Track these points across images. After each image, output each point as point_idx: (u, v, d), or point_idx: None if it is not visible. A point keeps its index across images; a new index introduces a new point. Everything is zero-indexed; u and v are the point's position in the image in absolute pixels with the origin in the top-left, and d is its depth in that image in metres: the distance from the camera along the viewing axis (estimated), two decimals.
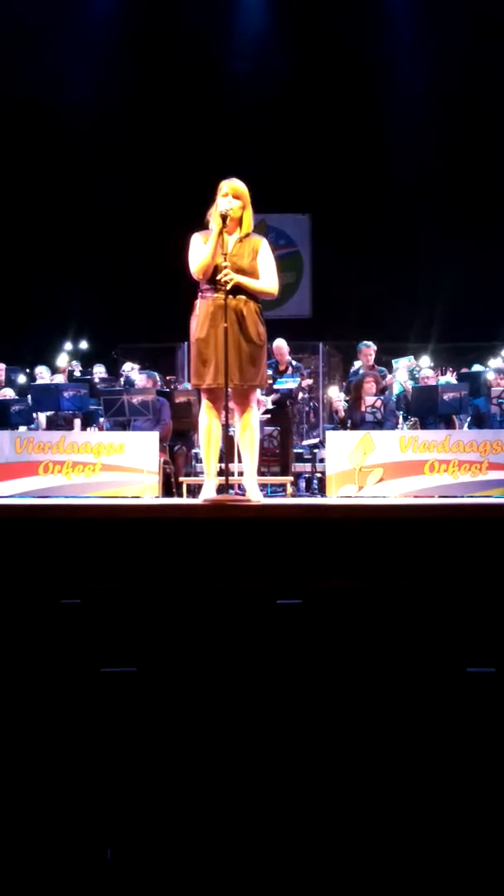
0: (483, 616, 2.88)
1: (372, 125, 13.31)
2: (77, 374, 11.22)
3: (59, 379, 10.55)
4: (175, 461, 8.99)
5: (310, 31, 13.24)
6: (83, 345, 13.03)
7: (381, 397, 8.95)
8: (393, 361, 10.60)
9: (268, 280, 5.14)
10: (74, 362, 11.86)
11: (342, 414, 9.22)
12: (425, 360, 10.73)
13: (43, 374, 10.58)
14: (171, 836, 2.46)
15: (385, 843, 2.43)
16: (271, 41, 13.38)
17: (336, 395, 9.58)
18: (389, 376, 9.92)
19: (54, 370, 11.09)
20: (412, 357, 10.73)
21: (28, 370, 10.97)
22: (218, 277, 5.01)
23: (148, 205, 13.36)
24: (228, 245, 5.07)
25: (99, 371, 11.37)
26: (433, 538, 4.15)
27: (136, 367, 10.86)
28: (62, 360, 11.63)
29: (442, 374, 10.45)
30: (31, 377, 10.73)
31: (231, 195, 5.09)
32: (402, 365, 10.33)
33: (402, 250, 13.28)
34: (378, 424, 8.62)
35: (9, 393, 9.74)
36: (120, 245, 13.28)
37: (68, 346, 12.87)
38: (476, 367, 10.85)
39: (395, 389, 9.91)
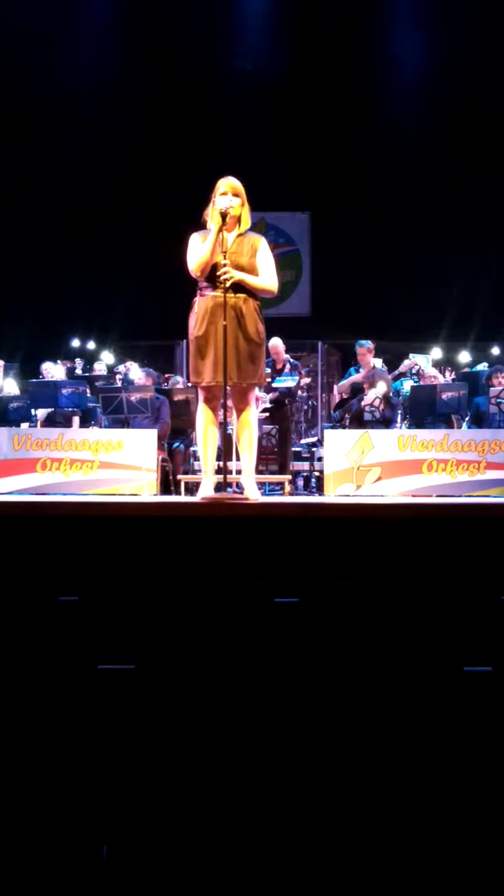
0: (480, 615, 2.88)
1: (372, 123, 13.31)
2: (79, 371, 11.23)
3: (60, 373, 10.55)
4: (173, 459, 8.99)
5: (310, 28, 13.24)
6: (90, 344, 13.05)
7: (380, 396, 8.93)
8: (411, 355, 10.55)
9: (267, 278, 5.14)
10: (77, 360, 11.87)
11: (347, 394, 9.15)
12: (422, 359, 10.73)
13: (50, 371, 10.54)
14: (168, 834, 2.46)
15: (383, 841, 2.43)
16: (271, 39, 13.37)
17: (337, 391, 9.56)
18: (396, 372, 9.90)
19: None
20: (428, 356, 10.70)
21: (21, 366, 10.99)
22: (217, 274, 5.01)
23: (147, 203, 13.35)
24: (227, 243, 5.07)
25: (101, 368, 11.36)
26: (431, 537, 4.15)
27: (135, 364, 10.87)
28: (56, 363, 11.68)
29: (441, 374, 10.46)
30: (31, 374, 10.73)
31: (230, 193, 5.09)
32: (418, 362, 10.29)
33: (401, 249, 13.28)
34: (380, 423, 8.62)
35: (10, 389, 9.73)
36: (118, 243, 13.27)
37: (76, 342, 12.88)
38: (480, 366, 10.87)
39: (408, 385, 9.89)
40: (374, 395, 8.73)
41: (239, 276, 5.02)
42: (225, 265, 5.00)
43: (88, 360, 12.05)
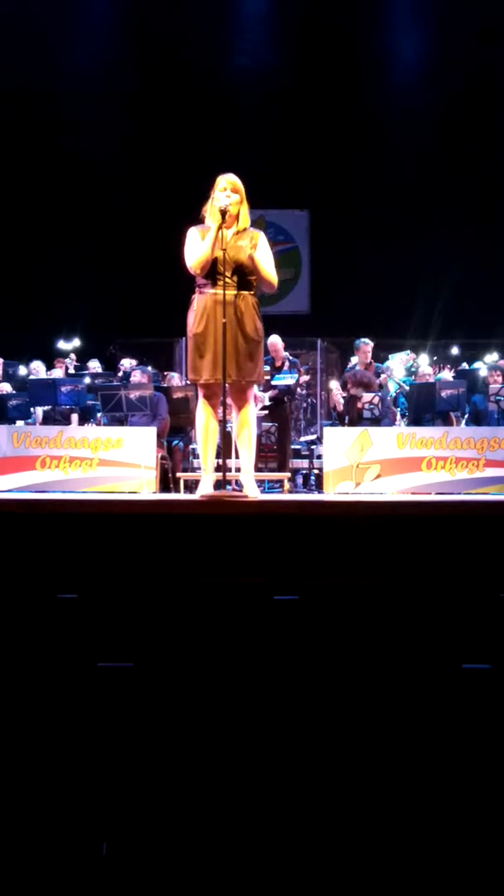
0: (479, 612, 2.88)
1: (371, 121, 13.30)
2: (72, 370, 11.21)
3: (57, 374, 10.55)
4: (172, 457, 8.99)
5: (309, 26, 13.23)
6: (76, 342, 13.04)
7: (379, 394, 8.95)
8: (389, 356, 10.59)
9: (267, 272, 5.13)
10: (69, 359, 11.85)
11: (341, 409, 9.22)
12: (424, 358, 10.75)
13: (38, 370, 10.56)
14: (167, 831, 2.46)
15: (382, 837, 2.44)
16: (271, 37, 13.36)
17: (336, 388, 9.57)
18: (384, 374, 9.92)
19: (50, 366, 11.09)
20: (409, 352, 10.73)
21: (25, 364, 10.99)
22: (220, 206, 4.99)
23: (147, 200, 13.34)
24: (226, 239, 5.06)
25: (94, 366, 11.36)
26: (430, 535, 4.15)
27: (135, 362, 10.86)
28: (60, 351, 11.68)
29: (440, 371, 10.46)
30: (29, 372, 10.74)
31: (230, 190, 5.08)
32: (397, 361, 10.31)
33: (400, 247, 13.28)
34: (375, 422, 8.62)
35: (6, 387, 9.73)
36: (118, 240, 13.27)
37: (62, 343, 12.87)
38: (475, 364, 10.88)
39: (391, 388, 9.91)
40: (335, 390, 8.81)
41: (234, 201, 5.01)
42: (227, 196, 5.00)
43: (85, 359, 12.04)
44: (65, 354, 12.29)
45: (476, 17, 12.50)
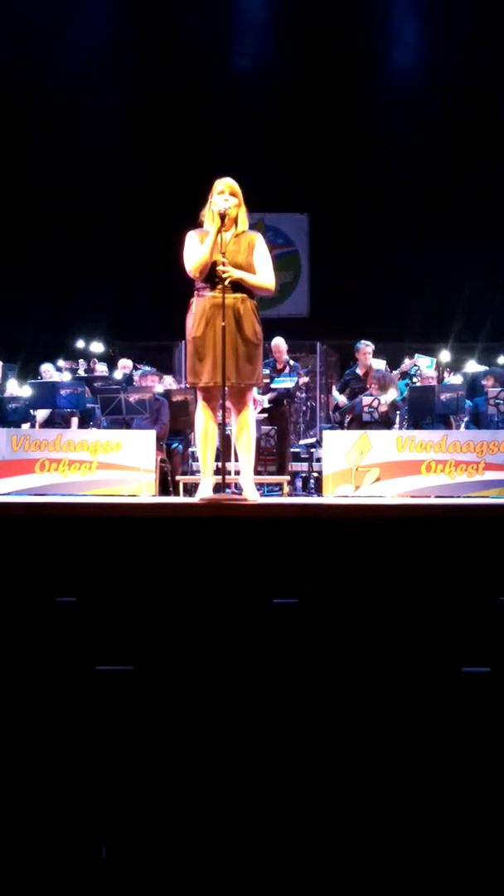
0: (479, 616, 2.88)
1: (371, 124, 13.30)
2: (81, 372, 11.22)
3: (67, 376, 10.55)
4: (172, 460, 8.99)
5: (309, 28, 13.23)
6: (84, 344, 13.04)
7: (378, 397, 8.94)
8: (416, 355, 10.57)
9: (265, 275, 5.13)
10: (81, 361, 11.86)
11: (342, 402, 9.18)
12: (424, 361, 10.73)
13: (48, 372, 10.53)
14: (167, 835, 2.46)
15: (382, 840, 2.43)
16: (270, 39, 13.36)
17: (336, 396, 9.56)
18: (396, 372, 9.91)
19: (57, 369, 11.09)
20: (433, 358, 10.71)
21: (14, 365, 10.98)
22: (218, 269, 5.00)
23: (145, 203, 13.34)
24: (224, 242, 5.06)
25: (102, 370, 11.37)
26: (429, 538, 4.15)
27: (130, 363, 10.88)
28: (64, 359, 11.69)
29: (447, 375, 10.46)
30: (32, 375, 10.73)
31: (227, 193, 5.08)
32: (418, 362, 10.30)
33: (400, 250, 13.28)
34: (381, 425, 8.63)
35: (17, 392, 9.74)
36: (118, 243, 13.26)
37: (81, 343, 12.87)
38: (476, 367, 10.87)
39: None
40: (384, 399, 8.75)
41: (238, 274, 5.02)
42: (223, 263, 5.00)
43: (89, 361, 12.05)
44: (73, 357, 12.29)
45: (476, 18, 12.50)
